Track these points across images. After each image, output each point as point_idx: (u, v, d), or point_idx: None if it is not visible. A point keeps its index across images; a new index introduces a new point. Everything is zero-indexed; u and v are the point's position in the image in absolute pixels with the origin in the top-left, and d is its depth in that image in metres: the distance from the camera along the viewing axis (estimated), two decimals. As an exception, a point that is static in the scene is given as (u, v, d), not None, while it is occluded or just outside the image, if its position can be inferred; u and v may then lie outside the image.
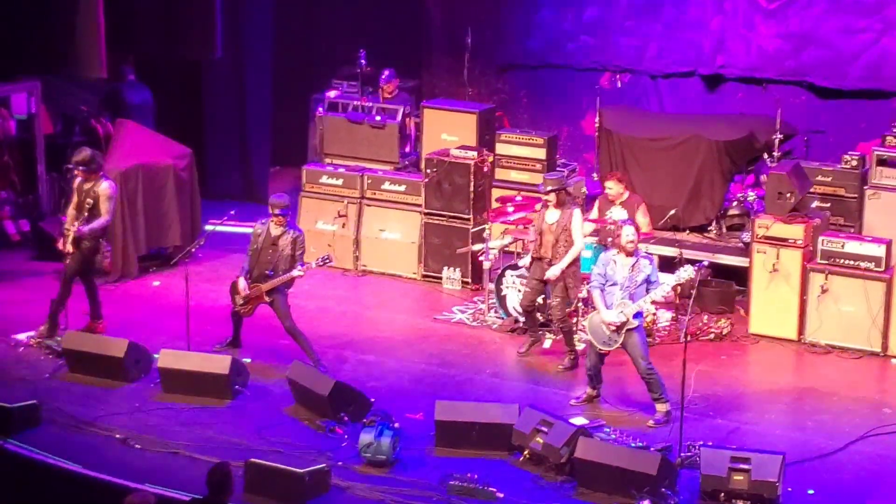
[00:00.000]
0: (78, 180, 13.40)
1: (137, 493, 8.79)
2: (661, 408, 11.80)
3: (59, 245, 13.37)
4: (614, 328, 11.72)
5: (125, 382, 12.40)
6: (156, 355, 12.50)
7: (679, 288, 13.11)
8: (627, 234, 11.82)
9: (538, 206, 13.22)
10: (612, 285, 11.82)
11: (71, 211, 13.42)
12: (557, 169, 15.29)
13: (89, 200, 13.21)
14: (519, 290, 13.90)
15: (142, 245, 15.26)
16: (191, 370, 12.14)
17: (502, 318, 14.01)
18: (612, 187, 14.00)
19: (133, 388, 12.35)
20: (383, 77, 16.93)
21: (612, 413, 12.00)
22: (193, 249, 13.65)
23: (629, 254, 11.80)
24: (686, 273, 11.72)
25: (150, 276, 15.25)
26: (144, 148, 15.64)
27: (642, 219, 14.05)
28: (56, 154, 16.66)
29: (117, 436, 11.33)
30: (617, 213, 13.94)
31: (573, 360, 12.95)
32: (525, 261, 13.26)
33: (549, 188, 12.88)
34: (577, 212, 12.96)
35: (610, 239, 13.31)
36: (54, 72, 16.59)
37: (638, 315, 11.76)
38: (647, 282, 11.75)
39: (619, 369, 12.54)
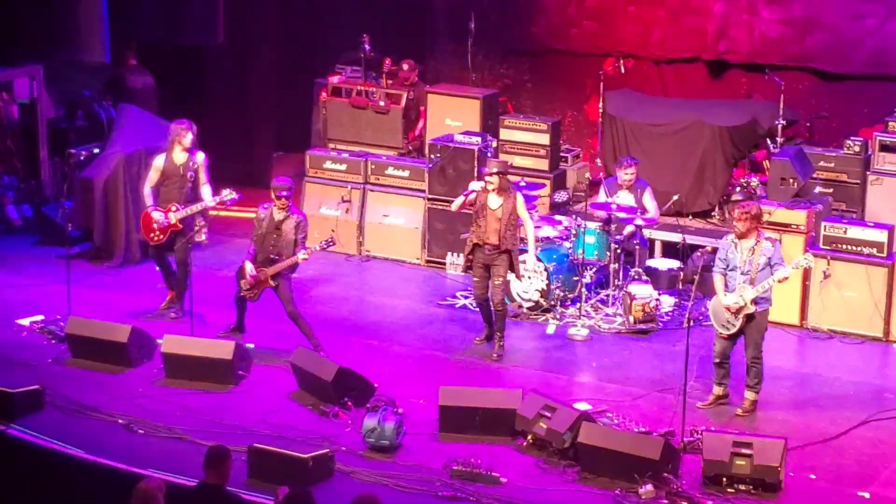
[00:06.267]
0: (164, 157, 13.43)
1: (149, 479, 8.76)
2: (750, 395, 11.80)
3: (160, 228, 13.30)
4: (732, 312, 11.68)
5: (128, 368, 12.39)
6: (159, 340, 12.48)
7: (688, 274, 13.04)
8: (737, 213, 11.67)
9: (478, 189, 12.77)
10: (731, 269, 11.69)
11: (148, 189, 13.44)
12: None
13: (191, 173, 13.38)
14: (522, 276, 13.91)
15: (145, 230, 15.25)
16: (194, 355, 12.12)
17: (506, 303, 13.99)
18: (631, 174, 14.02)
19: (136, 373, 12.35)
20: (405, 68, 16.86)
21: (616, 397, 12.00)
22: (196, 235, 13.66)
23: (741, 235, 11.62)
24: (806, 261, 11.65)
25: (154, 261, 15.23)
26: (147, 132, 15.61)
27: (650, 202, 14.05)
28: (58, 139, 16.65)
29: (120, 421, 11.32)
30: (624, 197, 13.96)
31: (501, 347, 12.85)
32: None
33: (495, 169, 12.65)
34: (519, 196, 12.81)
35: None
36: (57, 56, 16.58)
37: (761, 301, 11.59)
38: (770, 265, 11.57)
39: (618, 353, 12.54)
